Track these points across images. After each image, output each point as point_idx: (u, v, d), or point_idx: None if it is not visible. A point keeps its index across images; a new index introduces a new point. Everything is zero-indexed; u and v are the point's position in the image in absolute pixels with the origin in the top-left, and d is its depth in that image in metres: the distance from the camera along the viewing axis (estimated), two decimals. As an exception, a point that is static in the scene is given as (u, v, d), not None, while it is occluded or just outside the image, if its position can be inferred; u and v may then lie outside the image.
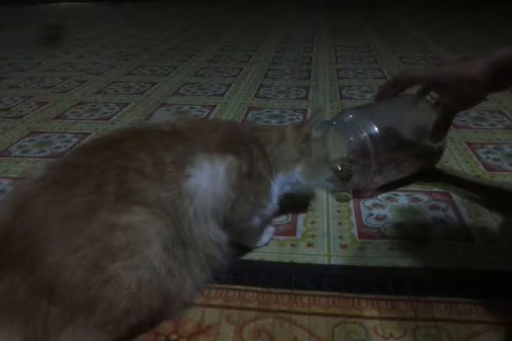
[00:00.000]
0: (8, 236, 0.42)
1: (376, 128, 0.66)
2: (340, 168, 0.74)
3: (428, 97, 0.72)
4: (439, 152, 0.75)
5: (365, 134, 0.65)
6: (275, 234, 0.62)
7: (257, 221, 0.56)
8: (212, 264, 0.50)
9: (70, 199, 0.43)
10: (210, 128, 0.55)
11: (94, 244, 0.41)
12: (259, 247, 0.59)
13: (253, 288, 0.52)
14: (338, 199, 0.70)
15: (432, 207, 0.67)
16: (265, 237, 0.60)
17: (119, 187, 0.44)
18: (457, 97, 0.61)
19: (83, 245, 0.41)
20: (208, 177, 0.49)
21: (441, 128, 0.66)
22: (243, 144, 0.55)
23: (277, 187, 0.58)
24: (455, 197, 0.70)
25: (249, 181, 0.53)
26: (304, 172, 0.60)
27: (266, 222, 0.60)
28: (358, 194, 0.70)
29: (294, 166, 0.60)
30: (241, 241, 0.58)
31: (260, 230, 0.60)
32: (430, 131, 0.66)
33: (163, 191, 0.46)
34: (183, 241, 0.47)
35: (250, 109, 1.11)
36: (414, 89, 0.70)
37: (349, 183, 0.70)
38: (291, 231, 0.63)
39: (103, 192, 0.44)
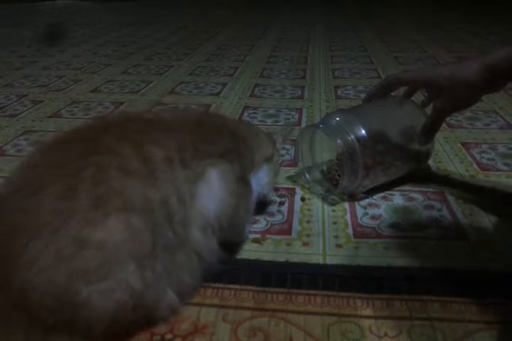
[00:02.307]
0: None
1: (364, 131, 0.65)
2: (327, 171, 0.74)
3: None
4: (427, 155, 0.75)
5: (352, 137, 0.64)
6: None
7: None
8: (205, 265, 0.48)
9: (35, 208, 0.38)
10: (195, 122, 0.53)
11: (60, 264, 0.37)
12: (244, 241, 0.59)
13: (249, 288, 0.52)
14: (329, 203, 0.69)
15: (427, 207, 0.67)
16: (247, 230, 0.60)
17: (95, 188, 0.39)
18: (452, 99, 0.60)
19: (48, 265, 0.37)
20: (206, 185, 0.47)
21: (430, 129, 0.65)
22: (231, 142, 0.53)
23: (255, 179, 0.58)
24: (450, 196, 0.70)
25: (240, 183, 0.52)
26: (267, 175, 0.60)
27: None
28: (346, 197, 0.69)
29: (264, 162, 0.59)
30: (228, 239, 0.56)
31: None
32: (418, 134, 0.66)
33: (153, 191, 0.42)
34: (171, 243, 0.43)
35: (246, 108, 1.11)
36: (401, 91, 0.70)
37: (338, 186, 0.68)
38: (286, 230, 0.63)
39: (75, 196, 0.38)
